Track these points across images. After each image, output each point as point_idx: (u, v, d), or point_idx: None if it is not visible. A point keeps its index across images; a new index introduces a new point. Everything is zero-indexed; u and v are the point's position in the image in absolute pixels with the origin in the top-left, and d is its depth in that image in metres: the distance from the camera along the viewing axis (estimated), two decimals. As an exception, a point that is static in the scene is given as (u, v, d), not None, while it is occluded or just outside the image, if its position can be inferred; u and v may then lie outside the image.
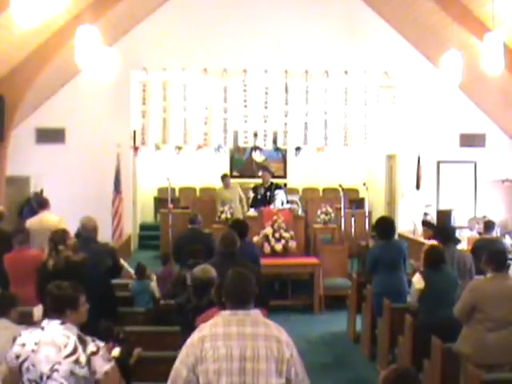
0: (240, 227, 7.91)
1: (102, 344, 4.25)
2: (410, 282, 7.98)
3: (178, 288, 6.93)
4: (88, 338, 4.24)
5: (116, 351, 4.92)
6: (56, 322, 4.24)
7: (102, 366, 4.16)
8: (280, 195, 13.33)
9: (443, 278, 7.14)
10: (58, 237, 7.02)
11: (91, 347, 4.18)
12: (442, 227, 9.04)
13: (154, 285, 8.22)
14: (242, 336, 3.98)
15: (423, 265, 7.41)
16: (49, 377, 4.10)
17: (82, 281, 6.39)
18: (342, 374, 8.38)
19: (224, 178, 15.42)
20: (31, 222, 9.74)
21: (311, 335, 9.95)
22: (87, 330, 4.40)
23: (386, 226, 8.98)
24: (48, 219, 9.80)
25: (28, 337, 4.22)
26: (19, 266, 8.00)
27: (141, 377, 5.47)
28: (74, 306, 4.36)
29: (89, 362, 4.13)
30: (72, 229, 8.26)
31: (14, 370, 4.22)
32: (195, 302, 5.68)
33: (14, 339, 4.27)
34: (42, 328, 4.25)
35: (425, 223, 11.26)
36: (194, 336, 4.06)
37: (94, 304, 5.89)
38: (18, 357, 4.17)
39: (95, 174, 15.37)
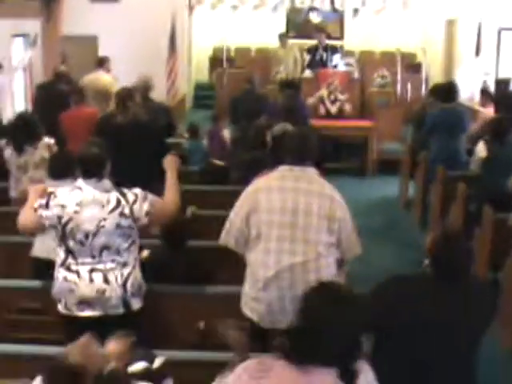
0: (292, 87, 7.85)
1: (138, 190, 4.24)
2: (469, 151, 7.87)
3: (238, 147, 7.05)
4: (125, 189, 4.24)
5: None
6: (93, 180, 4.18)
7: (142, 209, 4.17)
8: (335, 60, 13.12)
9: (507, 148, 6.87)
10: (125, 93, 6.91)
11: (130, 197, 4.19)
12: (501, 95, 8.62)
13: (205, 143, 8.28)
14: (296, 191, 3.97)
15: (488, 134, 7.16)
16: (95, 234, 4.10)
17: (147, 140, 6.55)
18: (392, 238, 8.46)
19: (281, 36, 14.99)
20: (85, 79, 9.97)
21: (363, 199, 9.90)
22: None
23: (449, 88, 8.55)
24: (102, 78, 9.95)
25: (67, 198, 4.16)
26: (75, 124, 8.12)
27: (193, 234, 5.59)
28: (107, 164, 4.31)
29: (131, 211, 4.15)
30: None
31: (44, 226, 4.19)
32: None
33: (48, 198, 4.19)
34: (80, 188, 4.18)
35: (483, 92, 10.98)
36: (249, 189, 4.08)
37: (151, 163, 6.01)
38: (59, 218, 4.11)
39: (150, 33, 15.13)
